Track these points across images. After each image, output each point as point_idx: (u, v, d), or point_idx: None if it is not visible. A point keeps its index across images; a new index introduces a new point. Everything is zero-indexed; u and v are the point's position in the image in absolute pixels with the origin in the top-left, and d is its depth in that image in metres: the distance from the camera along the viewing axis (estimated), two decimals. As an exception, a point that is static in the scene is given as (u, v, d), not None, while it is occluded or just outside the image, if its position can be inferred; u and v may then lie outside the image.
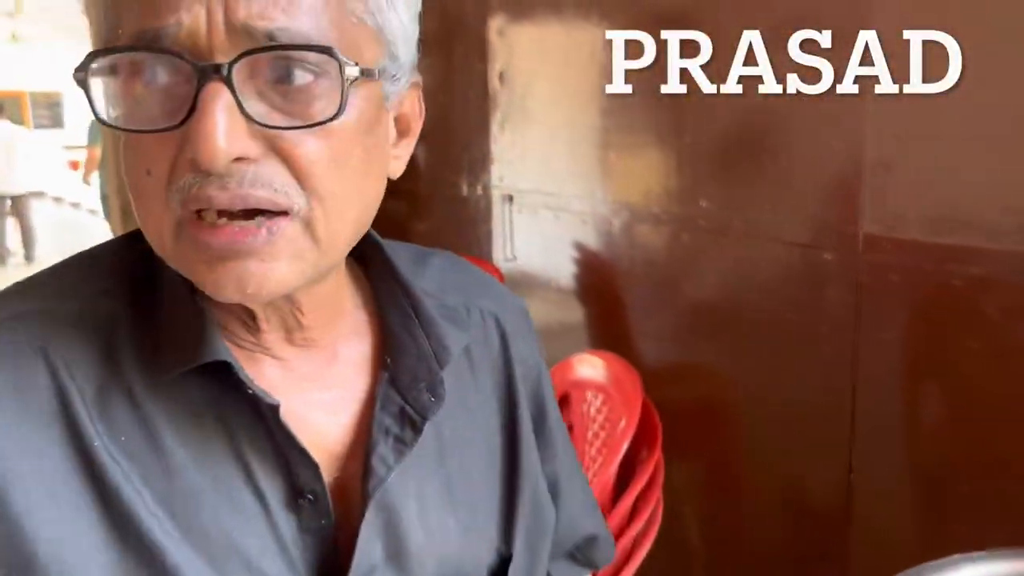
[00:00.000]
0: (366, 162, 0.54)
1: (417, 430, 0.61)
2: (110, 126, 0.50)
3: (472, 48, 2.53)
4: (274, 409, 0.55)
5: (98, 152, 6.72)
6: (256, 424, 0.56)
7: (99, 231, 7.09)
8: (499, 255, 2.55)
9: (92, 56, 0.49)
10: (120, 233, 0.64)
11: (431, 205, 2.89)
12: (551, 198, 2.29)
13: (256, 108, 0.49)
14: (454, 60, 2.74)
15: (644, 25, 1.87)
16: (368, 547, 0.59)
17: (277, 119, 0.49)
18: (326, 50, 0.49)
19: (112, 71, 0.50)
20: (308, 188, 0.50)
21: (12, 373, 0.52)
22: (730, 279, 1.79)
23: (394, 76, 0.56)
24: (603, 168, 2.09)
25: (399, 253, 0.67)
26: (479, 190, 2.63)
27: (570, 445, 0.80)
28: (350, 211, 0.54)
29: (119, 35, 0.50)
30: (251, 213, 0.49)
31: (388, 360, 0.63)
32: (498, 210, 2.53)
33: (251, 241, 0.50)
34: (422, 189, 2.95)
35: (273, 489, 0.56)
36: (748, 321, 1.74)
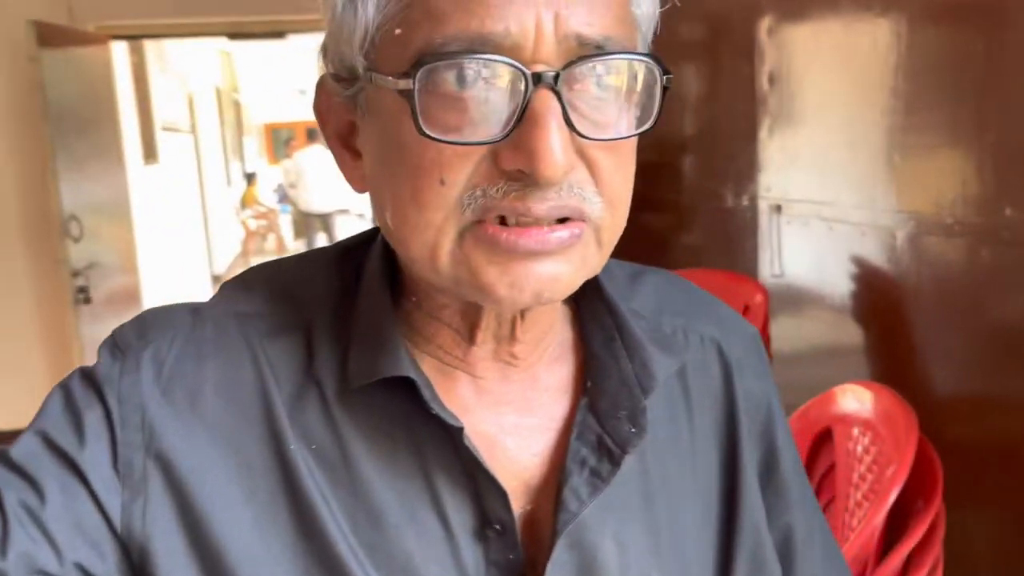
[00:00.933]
0: (633, 170, 0.54)
1: (615, 463, 0.55)
2: (431, 138, 0.47)
3: (739, 51, 2.43)
4: (458, 431, 0.52)
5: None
6: (445, 444, 0.54)
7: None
8: (765, 271, 2.42)
9: (420, 62, 0.46)
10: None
11: (693, 218, 2.81)
12: (824, 207, 2.13)
13: (575, 117, 0.48)
14: (720, 64, 2.64)
15: (934, 15, 1.68)
16: None
17: (589, 129, 0.48)
18: (654, 58, 0.48)
19: (431, 79, 0.47)
20: (605, 196, 0.50)
21: (223, 370, 0.55)
22: (1043, 300, 1.55)
23: None
24: (886, 173, 1.90)
25: (612, 270, 0.62)
26: (745, 201, 2.51)
27: (811, 497, 0.69)
28: (625, 218, 0.53)
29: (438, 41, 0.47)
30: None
31: (588, 384, 0.58)
32: (765, 222, 2.41)
33: (556, 242, 0.49)
34: (684, 201, 2.88)
35: (459, 515, 0.54)
36: (1067, 350, 1.50)
